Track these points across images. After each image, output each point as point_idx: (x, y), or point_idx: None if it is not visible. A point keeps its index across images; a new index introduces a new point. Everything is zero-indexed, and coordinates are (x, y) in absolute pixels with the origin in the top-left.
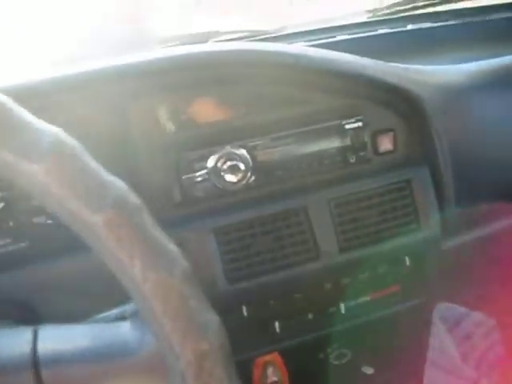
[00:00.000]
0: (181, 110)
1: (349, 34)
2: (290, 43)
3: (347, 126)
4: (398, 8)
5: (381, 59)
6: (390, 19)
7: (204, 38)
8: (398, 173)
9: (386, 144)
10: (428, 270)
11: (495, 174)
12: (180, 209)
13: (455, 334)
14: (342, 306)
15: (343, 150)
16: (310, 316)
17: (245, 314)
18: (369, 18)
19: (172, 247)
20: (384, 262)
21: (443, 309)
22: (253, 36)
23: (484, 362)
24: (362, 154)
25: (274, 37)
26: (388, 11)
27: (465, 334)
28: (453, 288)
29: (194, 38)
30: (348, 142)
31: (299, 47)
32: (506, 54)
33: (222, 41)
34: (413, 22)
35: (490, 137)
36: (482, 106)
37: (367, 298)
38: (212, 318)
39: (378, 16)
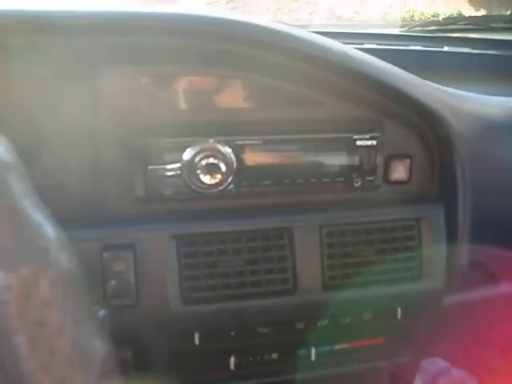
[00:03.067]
0: (161, 86)
1: (377, 44)
2: None
3: (358, 143)
4: (435, 27)
5: None
6: (423, 37)
7: None
8: (409, 208)
9: (399, 172)
10: (421, 326)
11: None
12: (141, 205)
13: None
14: (313, 351)
15: (349, 170)
16: (274, 356)
17: (196, 342)
18: (401, 31)
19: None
20: (372, 309)
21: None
22: None
23: None
24: (369, 178)
25: None
26: (424, 28)
27: None
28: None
29: None
30: (356, 161)
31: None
32: None
33: None
34: (448, 44)
35: None
36: None
37: (344, 346)
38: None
39: (412, 31)
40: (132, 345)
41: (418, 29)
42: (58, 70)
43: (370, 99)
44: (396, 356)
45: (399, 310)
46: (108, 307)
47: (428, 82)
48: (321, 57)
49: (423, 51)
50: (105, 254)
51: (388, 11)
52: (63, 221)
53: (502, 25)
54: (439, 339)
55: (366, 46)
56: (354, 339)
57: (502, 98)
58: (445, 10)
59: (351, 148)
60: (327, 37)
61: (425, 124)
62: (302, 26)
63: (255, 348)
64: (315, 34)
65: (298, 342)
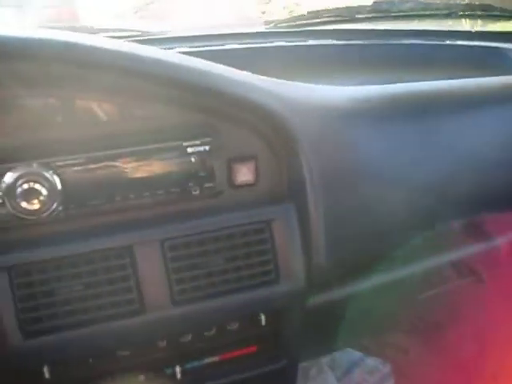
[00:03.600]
0: None
1: (239, 44)
2: (172, 47)
3: (189, 150)
4: (301, 22)
5: (269, 73)
6: (290, 32)
7: (92, 31)
8: (257, 211)
9: (244, 175)
10: (288, 329)
11: (368, 220)
12: None
13: (345, 382)
14: (178, 369)
15: (184, 179)
16: (141, 379)
17: (46, 375)
18: (267, 28)
19: None
20: (234, 319)
21: (335, 354)
22: (137, 36)
23: None
24: (208, 185)
25: (158, 39)
26: (290, 23)
27: (356, 382)
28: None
29: (81, 30)
30: (190, 169)
31: (146, 50)
32: (407, 81)
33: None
34: (313, 38)
35: (368, 174)
36: (363, 136)
37: (215, 359)
38: None
39: (279, 28)
40: None
41: (285, 24)
42: None
43: (195, 103)
44: (272, 363)
45: (263, 317)
46: None
47: (266, 78)
48: (130, 66)
49: (286, 46)
50: None
51: (294, 9)
52: None
53: (365, 15)
54: (317, 340)
55: (228, 46)
56: (224, 351)
57: (349, 88)
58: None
59: (183, 156)
60: (187, 41)
61: (264, 124)
62: (164, 32)
63: (119, 372)
64: (129, 43)
65: (164, 361)
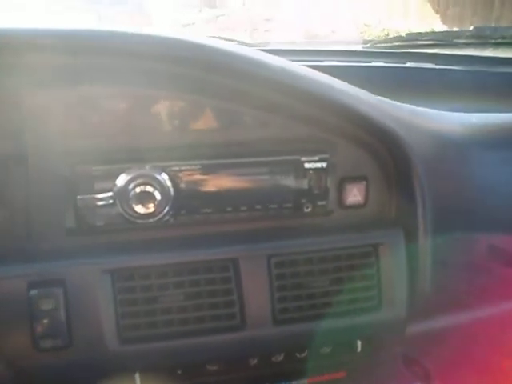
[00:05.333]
0: (91, 109)
1: (338, 61)
2: None
3: (307, 165)
4: (399, 43)
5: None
6: (387, 53)
7: None
8: (365, 234)
9: (355, 195)
10: (384, 357)
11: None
12: (72, 238)
13: None
14: None
15: (297, 195)
16: None
17: (137, 382)
18: (364, 47)
19: None
20: (329, 343)
21: None
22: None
23: None
24: (321, 203)
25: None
26: (387, 44)
27: None
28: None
29: None
30: (305, 185)
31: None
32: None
33: None
34: (411, 60)
35: (483, 203)
36: (479, 164)
37: (303, 382)
38: None
39: (375, 47)
40: None
41: (381, 45)
42: None
43: (318, 118)
44: None
45: (359, 343)
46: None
47: (383, 98)
48: (257, 73)
49: (385, 67)
50: (32, 292)
51: (364, 30)
52: None
53: (465, 40)
54: (405, 368)
55: (326, 63)
56: (313, 374)
57: (461, 114)
58: (419, 27)
59: (299, 171)
60: (286, 55)
61: (379, 143)
62: (263, 44)
63: None
64: (254, 51)
65: (253, 380)
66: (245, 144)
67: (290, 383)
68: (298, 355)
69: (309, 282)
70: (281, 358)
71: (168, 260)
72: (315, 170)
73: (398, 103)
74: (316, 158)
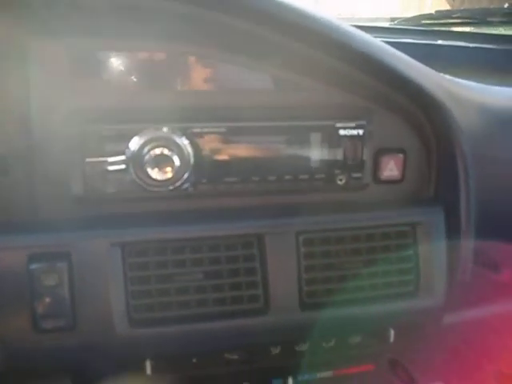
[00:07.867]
0: (104, 63)
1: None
2: None
3: (342, 132)
4: (427, 21)
5: None
6: (416, 30)
7: None
8: (402, 211)
9: (391, 169)
10: (417, 350)
11: None
12: (80, 207)
13: None
14: (290, 381)
15: (330, 165)
16: None
17: (148, 371)
18: (391, 25)
19: None
20: (360, 331)
21: None
22: None
23: None
24: (356, 175)
25: None
26: (414, 22)
27: None
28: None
29: None
30: (339, 154)
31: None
32: None
33: None
34: (441, 38)
35: None
36: None
37: (328, 374)
38: None
39: (403, 25)
40: (71, 374)
41: (408, 23)
42: None
43: (358, 81)
44: None
45: (392, 332)
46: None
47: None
48: (305, 25)
49: (415, 44)
50: (33, 266)
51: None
52: None
53: (499, 18)
54: (437, 364)
55: None
56: (339, 366)
57: (510, 89)
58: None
59: (333, 138)
60: None
61: (422, 113)
62: None
63: (222, 378)
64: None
65: (274, 371)
66: (275, 108)
67: (314, 375)
68: (324, 344)
69: (340, 263)
70: (306, 347)
71: (185, 234)
72: (351, 138)
73: (442, 74)
74: (352, 125)
